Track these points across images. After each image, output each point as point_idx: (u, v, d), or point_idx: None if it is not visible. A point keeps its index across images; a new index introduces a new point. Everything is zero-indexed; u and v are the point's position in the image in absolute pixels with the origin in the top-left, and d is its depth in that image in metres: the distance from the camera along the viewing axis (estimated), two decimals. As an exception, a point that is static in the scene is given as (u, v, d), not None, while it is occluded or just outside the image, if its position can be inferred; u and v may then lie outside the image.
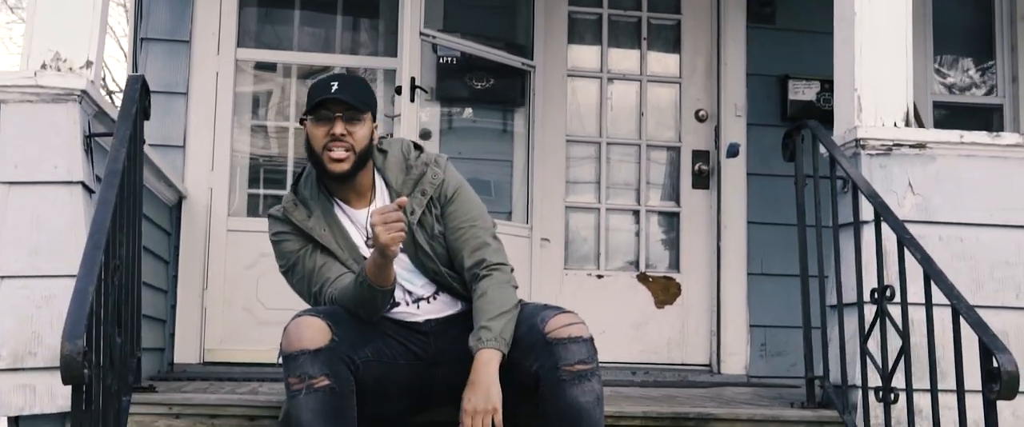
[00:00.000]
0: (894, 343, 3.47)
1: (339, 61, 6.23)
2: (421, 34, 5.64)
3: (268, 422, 3.52)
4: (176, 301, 5.80)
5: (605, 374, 5.94)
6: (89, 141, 3.62)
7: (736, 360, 6.27)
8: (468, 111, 6.35)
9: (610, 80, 6.51)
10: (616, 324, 6.29)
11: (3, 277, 3.45)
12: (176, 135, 5.90)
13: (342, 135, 3.17)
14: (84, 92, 3.55)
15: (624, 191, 6.47)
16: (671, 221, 6.48)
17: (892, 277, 3.50)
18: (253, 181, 6.12)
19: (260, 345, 5.82)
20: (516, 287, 3.29)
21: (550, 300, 6.11)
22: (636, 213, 6.45)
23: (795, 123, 4.20)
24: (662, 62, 6.58)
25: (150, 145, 5.74)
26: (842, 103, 4.11)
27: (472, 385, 3.00)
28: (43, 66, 3.59)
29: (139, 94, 3.60)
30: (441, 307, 3.33)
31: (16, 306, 3.40)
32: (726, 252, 6.33)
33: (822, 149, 4.02)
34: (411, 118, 5.57)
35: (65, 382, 2.47)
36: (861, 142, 3.96)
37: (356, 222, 3.29)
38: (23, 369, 3.36)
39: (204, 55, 5.96)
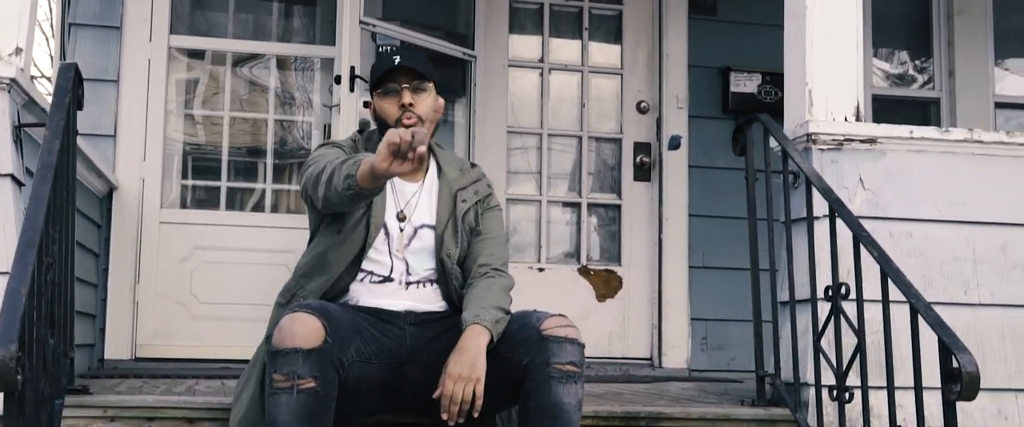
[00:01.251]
0: (848, 341, 3.42)
1: (275, 49, 6.09)
2: (361, 22, 5.51)
3: (208, 424, 3.39)
4: (107, 295, 5.64)
5: None
6: (18, 132, 3.47)
7: (677, 353, 6.23)
8: (408, 101, 6.23)
9: (551, 70, 6.43)
10: (557, 318, 6.21)
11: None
12: (106, 124, 5.72)
13: (411, 105, 3.22)
14: (13, 81, 3.40)
15: (565, 183, 6.40)
16: (612, 214, 6.42)
17: (846, 274, 3.46)
18: (186, 172, 5.97)
19: (195, 340, 5.69)
20: (511, 301, 3.29)
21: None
22: (577, 205, 6.38)
23: (746, 117, 4.15)
24: (604, 53, 6.51)
25: (80, 135, 5.62)
26: (793, 97, 4.06)
27: (459, 351, 2.97)
28: (-31, 54, 3.42)
29: (72, 83, 3.44)
30: (426, 299, 3.26)
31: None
32: (668, 245, 6.29)
33: (773, 143, 3.97)
34: (350, 108, 5.44)
35: (-1, 389, 2.34)
36: (812, 136, 3.91)
37: (397, 193, 3.27)
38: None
39: (136, 42, 5.79)
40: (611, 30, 6.52)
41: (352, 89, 5.45)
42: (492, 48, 6.24)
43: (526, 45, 6.44)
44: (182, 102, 5.98)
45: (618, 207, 6.40)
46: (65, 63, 3.49)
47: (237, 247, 5.76)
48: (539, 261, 6.29)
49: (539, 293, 6.18)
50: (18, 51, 3.47)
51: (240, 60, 6.07)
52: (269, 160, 6.00)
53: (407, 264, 3.26)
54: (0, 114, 3.39)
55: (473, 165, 3.52)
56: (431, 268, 3.27)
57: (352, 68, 5.44)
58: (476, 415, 2.95)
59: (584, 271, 6.32)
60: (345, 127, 5.42)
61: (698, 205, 6.28)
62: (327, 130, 5.88)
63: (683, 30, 6.39)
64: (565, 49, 6.47)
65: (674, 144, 6.21)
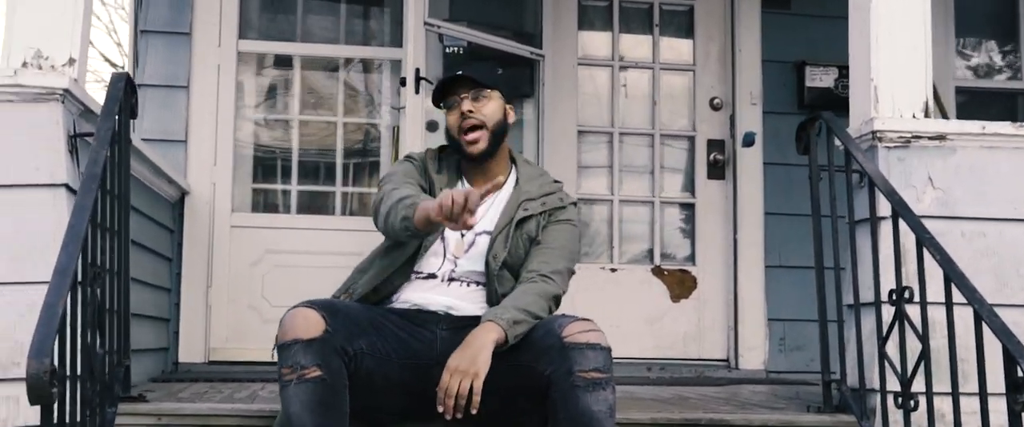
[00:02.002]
0: (914, 346, 3.30)
1: (344, 52, 6.10)
2: (426, 24, 5.48)
3: (261, 431, 3.39)
4: (180, 300, 5.69)
5: (619, 370, 5.79)
6: (74, 141, 3.49)
7: (754, 355, 6.11)
8: (476, 102, 6.19)
9: (622, 68, 6.35)
10: (630, 319, 6.14)
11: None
12: (177, 130, 5.78)
13: (470, 111, 3.22)
14: (66, 91, 3.42)
15: (637, 182, 6.31)
16: (686, 212, 6.32)
17: (911, 276, 3.33)
18: (257, 176, 6.00)
19: (265, 343, 5.61)
20: (550, 310, 3.19)
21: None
22: (650, 204, 6.29)
23: (810, 114, 4.03)
24: (675, 49, 6.41)
25: (151, 140, 5.70)
26: (858, 94, 3.94)
27: (464, 345, 2.95)
28: (24, 64, 3.46)
29: (124, 92, 3.46)
30: (468, 300, 3.24)
31: (-1, 313, 3.27)
32: (743, 244, 6.17)
33: (838, 141, 3.85)
34: (416, 110, 5.42)
35: (32, 402, 2.35)
36: (878, 134, 3.79)
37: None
38: (7, 380, 3.23)
39: (205, 47, 5.84)
40: (682, 26, 6.41)
41: (417, 91, 5.42)
42: (561, 47, 6.17)
43: (595, 43, 6.36)
44: (251, 106, 6.01)
45: (692, 206, 6.29)
46: (116, 72, 3.50)
47: (308, 250, 5.78)
48: (611, 261, 6.21)
49: (611, 294, 6.13)
50: (71, 61, 3.49)
51: (308, 63, 6.08)
52: (339, 163, 6.01)
53: (455, 264, 3.25)
54: (53, 124, 3.41)
55: (557, 182, 3.48)
56: (478, 270, 3.24)
57: (417, 70, 5.42)
58: (474, 412, 2.90)
59: (657, 271, 6.22)
60: (412, 129, 5.41)
61: (774, 203, 6.14)
62: (396, 132, 5.88)
63: (756, 24, 6.26)
64: (635, 46, 6.38)
65: (748, 141, 6.09)
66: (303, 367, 2.88)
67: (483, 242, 3.25)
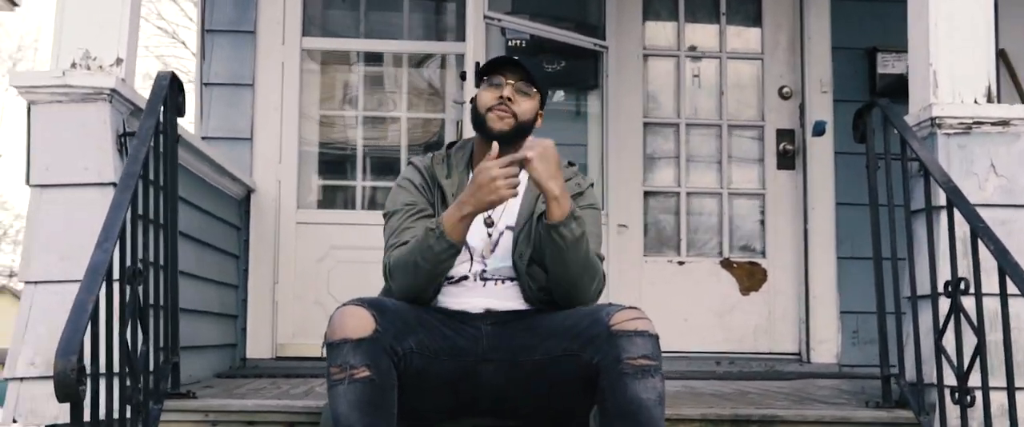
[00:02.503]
0: (972, 339, 3.19)
1: (407, 47, 6.10)
2: (486, 17, 5.46)
3: (307, 428, 3.39)
4: (247, 296, 5.74)
5: (688, 364, 5.83)
6: (123, 140, 3.52)
7: (826, 348, 5.98)
8: (539, 95, 6.15)
9: (688, 58, 6.25)
10: (699, 312, 6.06)
11: (37, 282, 3.38)
12: (243, 127, 5.83)
13: (509, 98, 3.18)
14: (113, 90, 3.45)
15: (705, 173, 6.22)
16: (755, 204, 6.21)
17: (969, 267, 3.22)
18: (322, 172, 6.03)
19: (331, 339, 5.73)
20: (598, 290, 3.14)
21: (630, 288, 5.94)
22: (718, 196, 6.19)
23: (867, 101, 3.92)
24: (742, 37, 6.30)
25: (217, 138, 5.76)
26: (917, 79, 3.83)
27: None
28: (73, 65, 3.50)
29: (170, 91, 3.49)
30: (505, 297, 3.18)
31: (49, 312, 3.32)
32: (814, 235, 6.04)
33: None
34: (477, 104, 5.38)
35: (60, 400, 2.37)
36: (937, 120, 3.67)
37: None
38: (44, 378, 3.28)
39: (269, 45, 5.88)
40: (750, 14, 6.30)
41: (478, 85, 5.37)
42: (625, 37, 6.10)
43: (661, 33, 6.28)
44: (316, 103, 6.04)
45: (761, 196, 6.18)
46: (161, 71, 3.53)
47: (372, 246, 5.75)
48: (679, 254, 6.13)
49: (679, 287, 6.05)
50: (119, 61, 3.53)
51: (372, 59, 6.10)
52: (403, 158, 6.01)
53: (485, 264, 3.20)
54: (101, 123, 3.44)
55: (570, 164, 3.39)
56: (508, 266, 3.18)
57: (477, 63, 5.39)
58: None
59: (726, 264, 6.13)
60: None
61: (846, 193, 6.01)
62: (459, 126, 5.86)
63: (826, 11, 6.13)
64: (702, 35, 6.29)
65: (819, 130, 5.97)
66: (352, 367, 2.85)
67: (508, 238, 3.18)
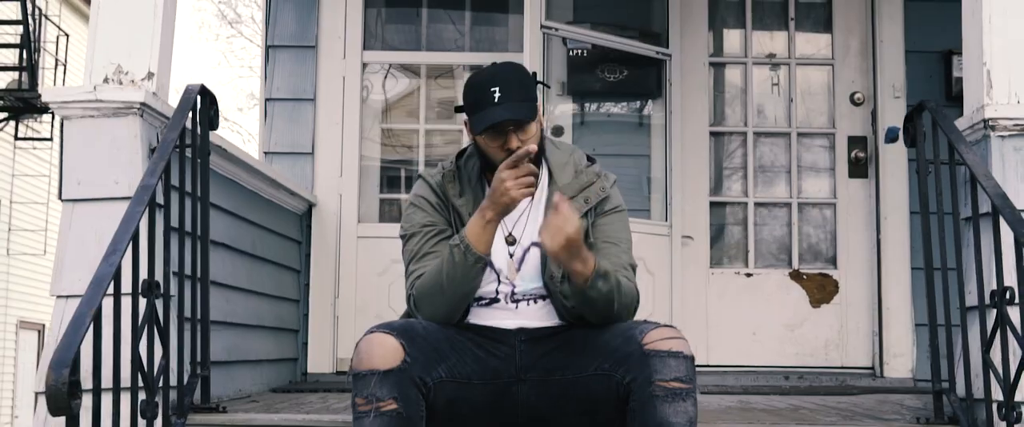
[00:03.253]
0: (1019, 352, 3.03)
1: (467, 59, 6.06)
2: (543, 27, 5.40)
3: (332, 442, 3.35)
4: (308, 311, 5.74)
5: (754, 379, 5.68)
6: (181, 154, 3.52)
7: (901, 362, 5.78)
8: (601, 104, 6.08)
9: (756, 65, 6.11)
10: (768, 325, 5.91)
11: (67, 296, 3.39)
12: (304, 142, 5.85)
13: (518, 146, 2.91)
14: (144, 104, 3.46)
15: (774, 183, 6.07)
16: (826, 213, 6.04)
17: (1016, 277, 3.06)
18: (383, 186, 6.01)
19: (391, 353, 5.70)
20: (629, 300, 2.98)
21: (696, 301, 5.82)
22: (787, 206, 6.03)
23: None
24: (812, 43, 6.14)
25: (279, 153, 5.79)
26: (971, 79, 3.67)
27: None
28: (105, 80, 3.52)
29: (198, 104, 3.50)
30: (539, 316, 3.05)
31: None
32: (887, 245, 5.85)
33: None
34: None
35: (52, 414, 2.36)
36: (990, 122, 3.51)
37: (503, 222, 3.02)
38: (85, 391, 3.27)
39: (330, 59, 5.89)
40: (819, 19, 6.14)
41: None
42: (689, 45, 5.98)
43: (726, 40, 6.15)
44: (377, 116, 6.03)
45: (832, 206, 6.01)
46: (190, 85, 3.53)
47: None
48: (746, 266, 5.98)
49: (747, 300, 5.91)
50: (150, 75, 3.54)
51: (433, 71, 6.07)
52: (465, 171, 5.96)
53: (513, 285, 3.04)
54: (132, 137, 3.45)
55: (591, 161, 3.19)
56: (539, 286, 3.03)
57: (534, 74, 5.30)
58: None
59: (796, 275, 5.96)
60: (529, 134, 5.31)
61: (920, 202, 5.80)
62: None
63: (899, 13, 5.94)
64: (769, 42, 6.15)
65: (891, 136, 5.77)
66: (379, 399, 2.74)
67: (535, 256, 3.02)
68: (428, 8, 6.12)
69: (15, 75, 14.24)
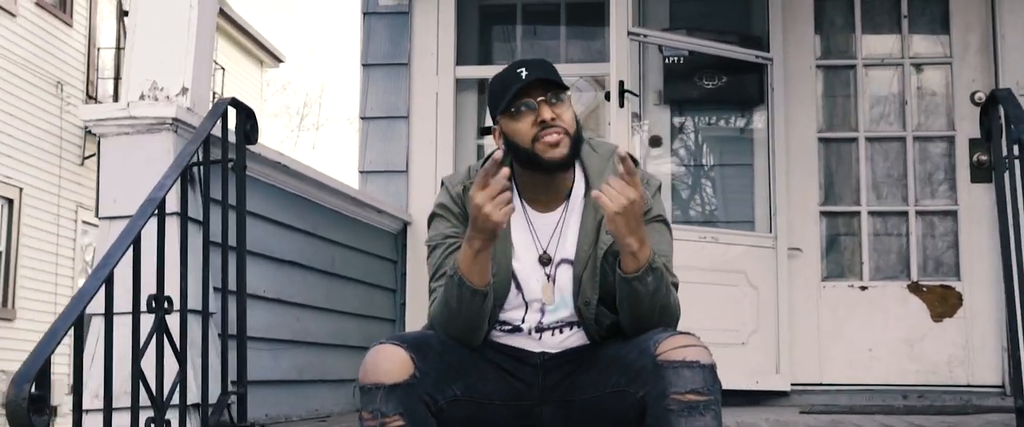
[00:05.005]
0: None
1: (564, 70, 5.88)
2: (630, 33, 5.22)
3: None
4: (405, 330, 5.67)
5: (869, 398, 5.36)
6: (191, 170, 3.49)
7: (1033, 380, 5.35)
8: (700, 113, 5.85)
9: (866, 66, 5.79)
10: (885, 341, 5.57)
11: (100, 315, 3.37)
12: (398, 160, 5.81)
13: (553, 119, 2.69)
14: (176, 119, 3.44)
15: (888, 190, 5.73)
16: (947, 221, 5.67)
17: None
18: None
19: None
20: (676, 309, 2.75)
21: (807, 317, 5.56)
22: (903, 215, 5.68)
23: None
24: (927, 42, 5.79)
25: (374, 172, 5.75)
26: (1051, 66, 3.34)
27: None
28: (141, 97, 3.52)
29: (239, 118, 3.46)
30: (565, 342, 2.83)
31: (115, 345, 3.30)
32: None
33: (1028, 124, 3.27)
34: (623, 124, 5.15)
35: (13, 430, 2.31)
36: (1070, 112, 3.19)
37: (535, 230, 2.83)
38: (119, 409, 3.25)
39: (423, 76, 5.85)
40: (935, 15, 5.78)
41: (622, 104, 5.16)
42: (793, 48, 5.70)
43: (833, 41, 5.85)
44: (471, 133, 5.95)
45: (953, 213, 5.64)
46: (220, 99, 3.50)
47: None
48: (860, 279, 5.65)
49: (862, 314, 5.60)
50: (184, 90, 3.52)
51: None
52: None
53: (543, 312, 2.81)
54: (165, 153, 3.43)
55: (635, 164, 2.77)
56: (569, 313, 2.80)
57: (621, 82, 5.16)
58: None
59: (915, 288, 5.60)
60: (619, 145, 5.13)
61: (1050, 206, 5.39)
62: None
63: (1021, 6, 5.55)
64: (880, 42, 5.82)
65: (1016, 138, 5.38)
66: (384, 415, 2.57)
67: (566, 274, 2.79)
68: (522, 22, 6.01)
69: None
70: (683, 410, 2.47)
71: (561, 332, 2.80)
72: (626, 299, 2.66)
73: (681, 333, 2.59)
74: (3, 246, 13.43)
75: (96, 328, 3.40)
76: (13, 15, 13.45)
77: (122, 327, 3.28)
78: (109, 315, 2.72)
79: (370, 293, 5.31)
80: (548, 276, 2.77)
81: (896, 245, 5.70)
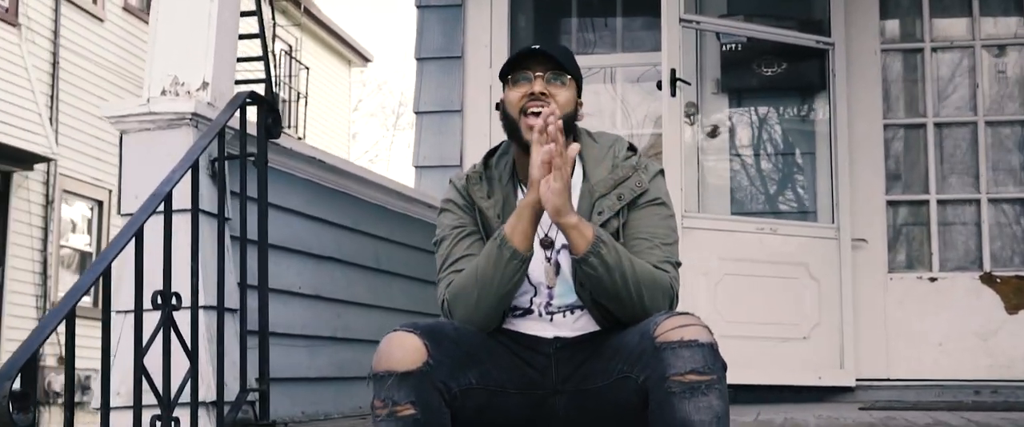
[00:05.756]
0: None
1: (618, 60, 5.84)
2: (681, 20, 5.08)
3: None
4: (460, 326, 5.59)
5: (939, 394, 5.16)
6: (214, 165, 3.46)
7: (1119, 375, 5.11)
8: (758, 101, 5.68)
9: (934, 50, 5.57)
10: (956, 335, 5.35)
11: (125, 312, 3.36)
12: (452, 155, 5.74)
13: (541, 93, 2.71)
14: (195, 114, 3.41)
15: (958, 178, 5.51)
16: (1021, 209, 5.42)
17: None
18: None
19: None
20: (651, 285, 2.66)
21: (873, 310, 5.37)
22: (975, 203, 5.46)
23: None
24: (1000, 23, 5.55)
25: (427, 167, 5.70)
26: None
27: None
28: (162, 92, 3.49)
29: (243, 111, 3.43)
30: (578, 326, 2.77)
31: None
32: (1094, 243, 5.20)
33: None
34: (675, 114, 5.02)
35: (-5, 427, 2.28)
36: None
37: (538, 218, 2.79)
38: (120, 408, 3.23)
39: (477, 70, 5.78)
40: (1009, -7, 5.55)
41: (673, 93, 5.03)
42: (856, 32, 5.50)
43: (899, 24, 5.64)
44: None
45: (1029, 200, 5.40)
46: (239, 92, 3.45)
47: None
48: (930, 270, 5.44)
49: (931, 307, 5.41)
50: (205, 85, 3.48)
51: (584, 75, 5.84)
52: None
53: (550, 296, 2.77)
54: (184, 148, 3.37)
55: (632, 151, 2.86)
56: (575, 300, 2.75)
57: (673, 71, 5.02)
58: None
59: (988, 279, 5.37)
60: (670, 136, 5.03)
61: None
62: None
63: (1100, -17, 5.30)
64: (950, 25, 5.59)
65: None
66: (396, 403, 2.51)
67: (566, 259, 2.74)
68: (577, 13, 5.90)
69: (259, 110, 14.86)
70: (685, 391, 2.39)
71: (571, 313, 2.74)
72: (587, 280, 2.62)
73: (680, 313, 2.51)
74: (94, 247, 13.69)
75: (118, 326, 3.39)
76: (101, 20, 13.70)
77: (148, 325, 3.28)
78: (107, 311, 2.68)
79: (419, 288, 5.24)
80: (548, 259, 2.73)
81: (967, 234, 5.48)
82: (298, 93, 15.82)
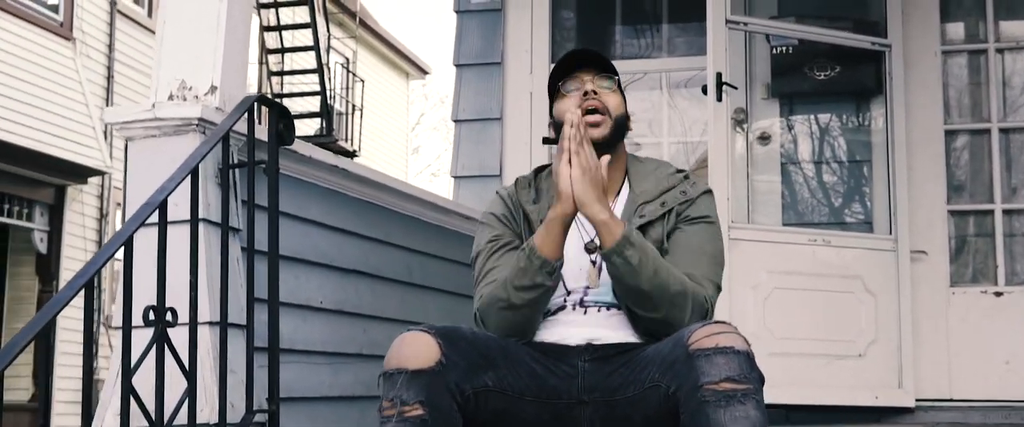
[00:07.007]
0: None
1: (663, 65, 5.64)
2: (728, 22, 4.86)
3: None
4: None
5: (1009, 415, 4.85)
6: (225, 173, 3.29)
7: None
8: (811, 106, 5.42)
9: (999, 52, 5.28)
10: (1023, 353, 5.04)
11: (132, 326, 3.20)
12: (491, 164, 5.57)
13: (594, 92, 2.79)
14: (202, 120, 3.23)
15: (1026, 186, 5.22)
16: (1095, 219, 5.12)
17: None
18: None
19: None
20: (698, 304, 2.64)
21: (934, 325, 5.11)
22: (1044, 212, 5.16)
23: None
24: (1071, 21, 5.26)
25: (466, 177, 5.52)
26: None
27: None
28: (169, 97, 3.33)
29: (250, 116, 3.24)
30: (610, 326, 2.71)
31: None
32: None
33: None
34: (721, 119, 4.79)
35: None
36: None
37: (582, 228, 2.76)
38: (140, 426, 3.07)
39: (517, 76, 5.60)
40: (1077, -9, 5.25)
41: (720, 98, 4.80)
42: (915, 33, 5.23)
43: (959, 25, 5.37)
44: (567, 133, 5.66)
45: (1102, 209, 5.09)
46: (247, 96, 3.28)
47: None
48: (995, 283, 5.14)
49: (997, 324, 5.13)
50: (213, 89, 3.32)
51: (628, 80, 5.63)
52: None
53: (585, 292, 2.73)
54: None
55: (680, 172, 2.87)
56: (612, 299, 2.72)
57: (718, 74, 4.79)
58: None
59: (1057, 293, 5.07)
60: (715, 141, 4.81)
61: None
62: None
63: None
64: (1016, 25, 5.31)
65: None
66: (404, 402, 2.42)
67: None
68: (621, 18, 5.69)
69: (316, 123, 14.82)
70: (719, 400, 2.31)
71: (606, 310, 2.72)
72: (613, 277, 2.63)
73: (713, 322, 2.47)
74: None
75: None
76: (155, 32, 13.72)
77: (146, 339, 3.12)
78: (89, 325, 2.51)
79: (455, 303, 5.04)
80: (593, 262, 2.72)
81: (1035, 246, 5.18)
82: (354, 106, 15.73)
